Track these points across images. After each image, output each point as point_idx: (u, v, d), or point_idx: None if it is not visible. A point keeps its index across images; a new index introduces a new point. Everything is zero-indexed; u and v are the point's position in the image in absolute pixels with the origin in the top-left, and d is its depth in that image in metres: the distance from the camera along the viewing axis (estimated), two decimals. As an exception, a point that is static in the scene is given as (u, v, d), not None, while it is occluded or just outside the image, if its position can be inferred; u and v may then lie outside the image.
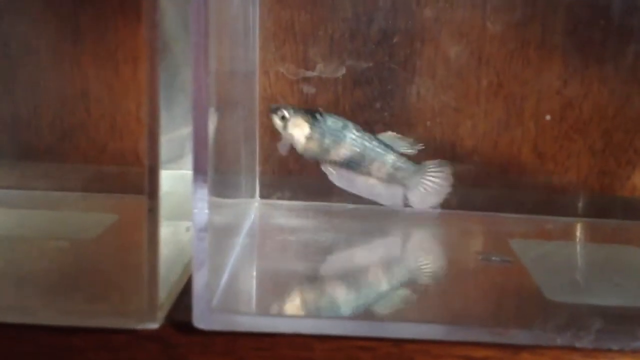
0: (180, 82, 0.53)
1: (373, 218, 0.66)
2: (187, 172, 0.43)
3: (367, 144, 0.62)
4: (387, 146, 0.63)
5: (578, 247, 0.65)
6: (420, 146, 0.63)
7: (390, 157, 0.63)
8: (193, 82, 0.42)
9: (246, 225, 0.63)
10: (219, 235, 0.49)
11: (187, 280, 0.48)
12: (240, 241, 0.58)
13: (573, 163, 0.70)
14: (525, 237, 0.64)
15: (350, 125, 0.63)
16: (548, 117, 0.69)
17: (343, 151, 0.62)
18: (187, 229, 0.48)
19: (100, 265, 0.52)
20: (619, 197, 0.71)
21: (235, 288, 0.49)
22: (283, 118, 0.63)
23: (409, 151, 0.63)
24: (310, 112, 0.63)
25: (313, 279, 0.53)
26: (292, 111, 0.63)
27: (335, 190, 0.65)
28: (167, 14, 0.54)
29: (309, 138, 0.62)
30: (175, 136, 0.53)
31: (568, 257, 0.61)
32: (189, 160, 0.43)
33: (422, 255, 0.62)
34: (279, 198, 0.71)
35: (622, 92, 0.69)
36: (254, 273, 0.54)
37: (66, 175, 0.70)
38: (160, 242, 0.43)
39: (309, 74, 0.69)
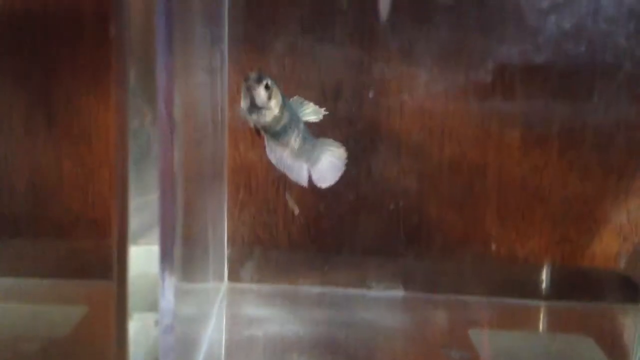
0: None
1: (337, 304, 0.67)
2: (156, 248, 0.41)
3: (292, 109, 0.55)
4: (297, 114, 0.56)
5: (536, 339, 0.66)
6: (324, 111, 0.55)
7: (302, 126, 0.55)
8: (159, 174, 0.41)
9: (213, 315, 0.63)
10: (186, 332, 0.48)
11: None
12: (207, 335, 0.58)
13: (535, 231, 0.72)
14: (485, 325, 0.65)
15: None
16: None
17: (284, 119, 0.54)
18: (156, 323, 0.48)
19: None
20: (580, 268, 0.72)
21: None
22: (267, 87, 0.52)
23: (313, 118, 0.55)
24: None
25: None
26: (270, 79, 0.53)
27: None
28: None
29: (282, 107, 0.53)
30: (144, 202, 0.53)
31: (525, 350, 0.61)
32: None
33: (381, 353, 0.61)
34: (248, 281, 0.71)
35: (581, 162, 0.70)
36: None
37: (37, 256, 0.70)
38: (129, 347, 0.42)
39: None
